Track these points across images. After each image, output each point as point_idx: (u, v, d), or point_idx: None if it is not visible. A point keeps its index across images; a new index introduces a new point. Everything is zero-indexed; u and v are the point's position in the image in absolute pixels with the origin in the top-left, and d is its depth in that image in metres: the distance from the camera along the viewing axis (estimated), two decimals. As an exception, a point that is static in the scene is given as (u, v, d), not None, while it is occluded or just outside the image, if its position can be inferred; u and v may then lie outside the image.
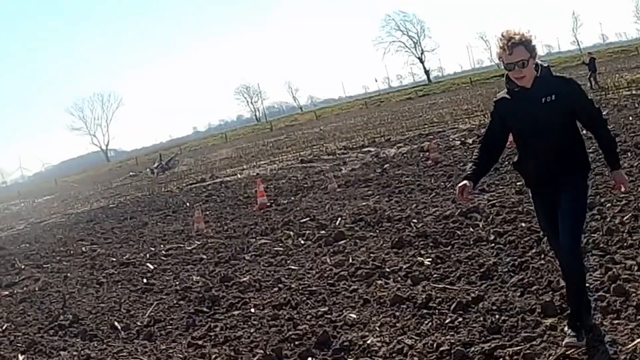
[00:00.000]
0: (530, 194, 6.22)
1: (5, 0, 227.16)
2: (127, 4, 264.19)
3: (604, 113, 22.08)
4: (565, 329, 5.74)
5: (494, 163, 6.16)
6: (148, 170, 47.61)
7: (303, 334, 7.25)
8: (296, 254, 11.28)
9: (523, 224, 9.64)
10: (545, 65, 5.74)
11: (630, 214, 9.01)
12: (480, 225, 10.23)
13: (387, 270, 8.98)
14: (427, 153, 21.05)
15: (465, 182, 5.76)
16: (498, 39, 5.65)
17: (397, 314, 7.35)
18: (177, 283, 10.80)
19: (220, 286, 10.02)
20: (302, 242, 12.06)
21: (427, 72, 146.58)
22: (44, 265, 15.52)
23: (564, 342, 5.56)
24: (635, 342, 5.31)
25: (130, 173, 59.90)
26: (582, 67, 44.55)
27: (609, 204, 9.80)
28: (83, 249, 16.96)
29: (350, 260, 9.87)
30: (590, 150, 7.81)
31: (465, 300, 7.14)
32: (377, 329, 7.00)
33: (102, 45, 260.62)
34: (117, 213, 25.27)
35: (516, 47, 5.47)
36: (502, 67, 5.71)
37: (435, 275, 8.34)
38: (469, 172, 5.87)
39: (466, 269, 8.30)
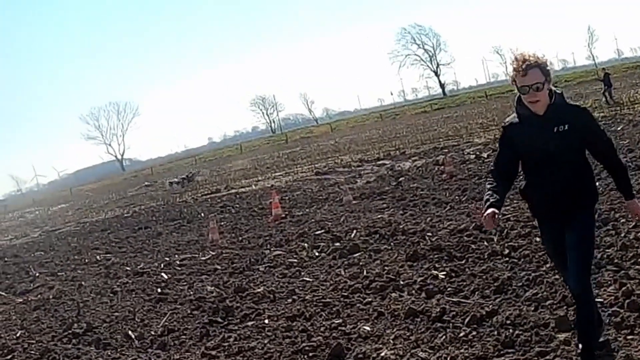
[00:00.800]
0: (537, 222, 6.12)
1: (22, 9, 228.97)
2: (144, 15, 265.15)
3: (618, 129, 21.95)
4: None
5: (509, 190, 5.84)
6: (167, 182, 47.72)
7: (317, 345, 7.25)
8: (310, 266, 11.28)
9: (537, 239, 9.58)
10: (559, 91, 5.53)
11: (645, 230, 8.98)
12: (495, 240, 10.20)
13: (402, 283, 8.98)
14: (442, 166, 21.04)
15: (492, 209, 5.46)
16: (512, 61, 5.44)
17: (411, 327, 7.34)
18: (191, 293, 10.82)
19: (234, 297, 10.03)
20: (317, 254, 12.06)
21: (442, 86, 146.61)
22: (59, 274, 15.59)
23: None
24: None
25: (145, 183, 60.04)
26: (597, 82, 44.40)
27: (624, 220, 9.75)
28: (97, 257, 17.01)
29: (365, 273, 9.87)
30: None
31: (480, 314, 7.13)
32: (391, 341, 7.00)
33: (119, 55, 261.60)
34: (132, 222, 25.33)
35: (531, 69, 5.27)
36: (516, 90, 5.45)
37: (449, 289, 8.33)
38: (492, 200, 5.53)
39: (480, 282, 8.28)
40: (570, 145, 5.38)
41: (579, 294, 5.45)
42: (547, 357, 5.76)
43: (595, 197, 5.70)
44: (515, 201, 12.69)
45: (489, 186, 5.72)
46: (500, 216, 5.70)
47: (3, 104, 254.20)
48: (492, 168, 5.93)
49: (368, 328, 7.51)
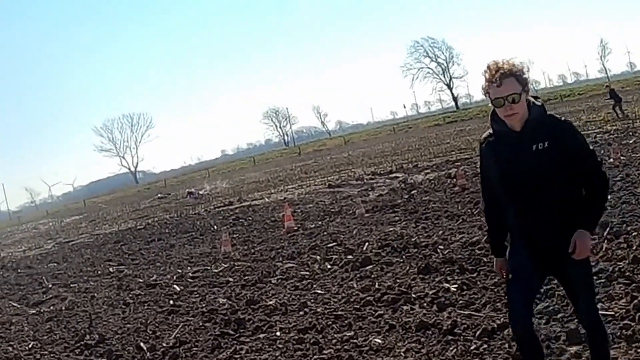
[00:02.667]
0: (509, 249, 5.18)
1: (37, 23, 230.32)
2: (158, 28, 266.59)
3: (630, 142, 21.86)
4: None
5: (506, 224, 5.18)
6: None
7: (328, 358, 7.26)
8: (322, 279, 11.27)
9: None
10: (539, 103, 4.87)
11: (657, 243, 8.95)
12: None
13: (413, 296, 8.96)
14: (455, 179, 21.03)
15: (497, 263, 5.24)
16: (484, 70, 4.83)
17: (423, 339, 7.33)
18: (204, 305, 10.82)
19: (246, 309, 10.03)
20: (329, 266, 12.05)
21: (455, 99, 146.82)
22: (71, 285, 15.63)
23: None
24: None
25: (159, 195, 60.15)
26: (608, 95, 44.32)
27: (635, 233, 9.73)
28: (110, 269, 17.06)
29: (377, 286, 9.85)
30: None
31: (491, 327, 7.12)
32: (402, 354, 6.99)
33: (133, 68, 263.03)
34: (145, 234, 25.40)
35: (506, 78, 4.68)
36: (489, 103, 4.84)
37: (460, 302, 8.32)
38: (494, 251, 5.30)
39: (492, 295, 8.26)
40: (553, 165, 4.71)
41: (593, 325, 5.03)
42: (559, 371, 5.74)
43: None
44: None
45: (486, 220, 5.37)
46: (507, 261, 5.10)
47: (17, 117, 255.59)
48: (482, 202, 5.40)
49: (379, 341, 7.51)
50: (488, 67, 4.81)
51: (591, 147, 4.85)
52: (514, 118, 4.74)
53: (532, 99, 4.85)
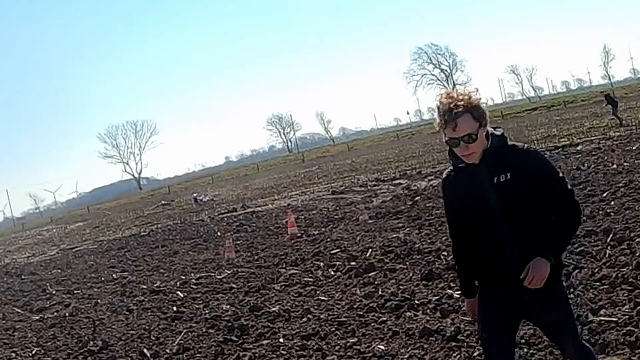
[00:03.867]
0: (479, 290, 4.80)
1: (41, 29, 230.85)
2: (162, 34, 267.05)
3: (633, 148, 21.83)
4: None
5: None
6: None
7: (331, 364, 7.26)
8: (326, 285, 11.28)
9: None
10: (499, 132, 4.53)
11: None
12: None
13: (417, 302, 8.97)
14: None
15: (467, 304, 4.93)
16: (437, 104, 4.43)
17: (426, 346, 7.33)
18: (207, 311, 10.82)
19: (249, 315, 10.04)
20: (332, 273, 12.06)
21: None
22: (75, 291, 15.64)
23: None
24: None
25: (162, 202, 60.18)
26: (608, 104, 44.27)
27: (639, 239, 9.71)
28: (114, 275, 17.07)
29: (380, 292, 9.86)
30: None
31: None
32: (406, 360, 6.99)
33: (136, 74, 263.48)
34: (149, 241, 25.41)
35: (461, 117, 4.25)
36: (444, 140, 4.44)
37: (464, 308, 8.30)
38: (464, 290, 4.96)
39: (495, 302, 8.26)
40: (516, 199, 4.31)
41: (582, 358, 4.63)
42: (562, 377, 5.74)
43: (561, 264, 4.56)
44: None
45: (454, 257, 4.99)
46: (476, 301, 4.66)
47: (21, 123, 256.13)
48: (449, 229, 5.00)
49: (383, 347, 7.51)
50: (440, 102, 4.38)
51: (561, 174, 4.48)
52: (471, 157, 4.39)
53: (492, 129, 4.49)
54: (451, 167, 4.66)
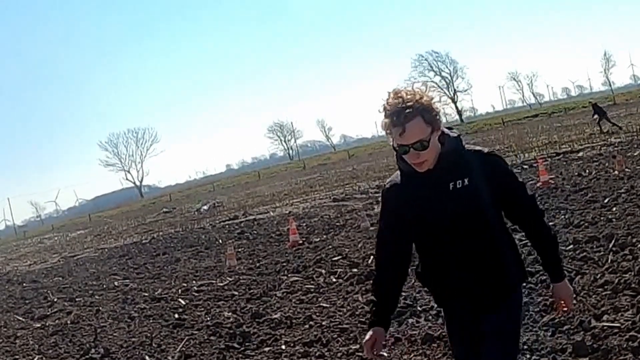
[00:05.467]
0: (442, 312, 4.67)
1: (42, 36, 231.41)
2: (162, 42, 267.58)
3: (635, 154, 21.86)
4: None
5: (402, 285, 4.37)
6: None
7: (333, 371, 7.25)
8: (328, 292, 11.27)
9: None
10: (455, 134, 4.07)
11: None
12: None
13: (419, 308, 8.94)
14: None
15: (372, 332, 4.13)
16: (382, 104, 3.88)
17: (428, 352, 7.33)
18: (209, 319, 10.82)
19: (251, 322, 10.03)
20: (334, 279, 12.05)
21: (459, 112, 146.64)
22: (77, 299, 15.63)
23: None
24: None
25: (164, 209, 60.18)
26: (613, 107, 44.27)
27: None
28: (115, 283, 17.05)
29: (382, 299, 9.84)
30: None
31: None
32: (408, 367, 6.98)
33: (138, 82, 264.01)
34: (150, 248, 25.39)
35: (410, 121, 3.74)
36: (392, 146, 3.96)
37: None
38: (374, 318, 4.21)
39: (498, 308, 8.24)
40: (474, 206, 3.95)
41: None
42: (565, 383, 5.73)
43: (521, 275, 4.28)
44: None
45: (374, 286, 4.35)
46: (386, 340, 4.04)
47: (22, 131, 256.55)
48: (375, 253, 4.42)
49: (385, 354, 7.48)
50: (387, 102, 3.84)
51: (521, 180, 4.23)
52: (423, 165, 3.90)
53: (446, 130, 4.03)
54: (398, 174, 4.15)
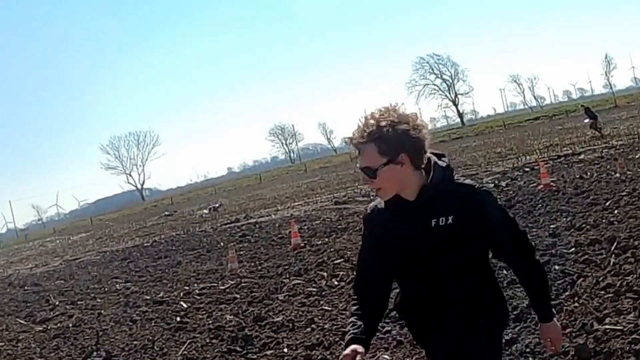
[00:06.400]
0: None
1: (43, 39, 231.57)
2: (163, 45, 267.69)
3: (636, 157, 21.88)
4: None
5: (381, 313, 4.02)
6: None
7: (336, 374, 7.25)
8: (329, 295, 11.26)
9: (556, 267, 9.56)
10: (444, 163, 3.72)
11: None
12: (514, 268, 10.13)
13: (421, 311, 8.94)
14: (461, 195, 20.95)
15: (352, 347, 3.70)
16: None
17: (430, 355, 7.32)
18: (210, 322, 10.81)
19: (253, 326, 10.03)
20: (336, 282, 12.04)
21: (460, 115, 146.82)
22: (78, 302, 15.63)
23: None
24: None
25: (165, 212, 60.19)
26: (614, 110, 44.27)
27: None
28: (117, 286, 17.05)
29: (384, 302, 9.83)
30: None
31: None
32: (410, 370, 6.98)
33: (139, 85, 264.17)
34: (152, 252, 25.36)
35: (364, 145, 3.57)
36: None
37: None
38: (353, 332, 3.81)
39: (500, 311, 8.24)
40: (456, 249, 3.64)
41: None
42: (567, 386, 5.72)
43: (503, 319, 4.00)
44: (534, 229, 12.65)
45: (352, 308, 3.99)
46: (364, 355, 3.66)
47: (24, 134, 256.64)
48: (355, 278, 4.19)
49: (387, 357, 7.50)
50: (358, 122, 3.64)
51: (510, 215, 3.90)
52: (380, 194, 3.72)
53: (434, 158, 3.71)
54: (380, 200, 3.85)
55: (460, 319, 3.74)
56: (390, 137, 3.49)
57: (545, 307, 3.91)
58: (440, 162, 3.69)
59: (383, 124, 3.49)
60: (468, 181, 3.80)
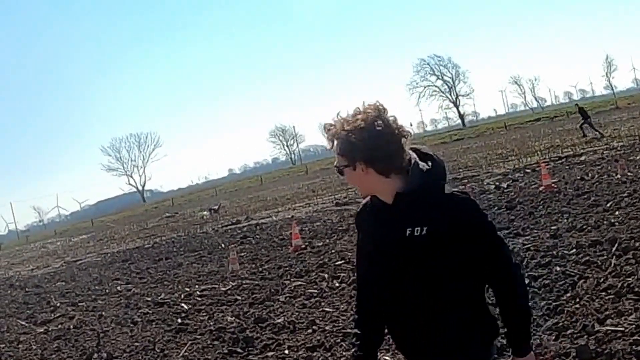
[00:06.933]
0: None
1: (45, 41, 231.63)
2: (164, 47, 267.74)
3: (637, 158, 21.89)
4: None
5: (382, 332, 3.69)
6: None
7: (337, 375, 7.24)
8: (331, 296, 11.25)
9: (558, 268, 9.55)
10: (424, 166, 3.32)
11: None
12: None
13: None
14: (462, 197, 20.92)
15: None
16: None
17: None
18: (212, 323, 10.81)
19: (254, 327, 10.02)
20: (337, 284, 12.03)
21: (461, 117, 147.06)
22: (79, 304, 15.63)
23: None
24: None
25: (166, 214, 60.22)
26: (615, 111, 44.29)
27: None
28: (118, 288, 17.05)
29: (385, 303, 9.82)
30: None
31: (500, 343, 7.07)
32: (411, 371, 6.96)
33: (140, 87, 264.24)
34: (153, 253, 25.37)
35: (331, 142, 3.34)
36: None
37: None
38: (359, 352, 3.63)
39: (501, 312, 8.22)
40: (432, 259, 3.24)
41: None
42: (569, 387, 5.72)
43: (483, 354, 3.47)
44: (535, 231, 12.65)
45: (354, 330, 3.76)
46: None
47: (25, 136, 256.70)
48: (356, 293, 3.90)
49: (389, 358, 7.48)
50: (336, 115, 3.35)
51: (493, 228, 3.40)
52: (359, 191, 3.47)
53: (417, 160, 3.33)
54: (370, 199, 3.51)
55: (437, 340, 3.35)
56: (352, 144, 3.21)
57: (522, 342, 3.41)
58: (422, 165, 3.30)
59: (347, 128, 3.22)
60: (449, 188, 3.34)
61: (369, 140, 3.16)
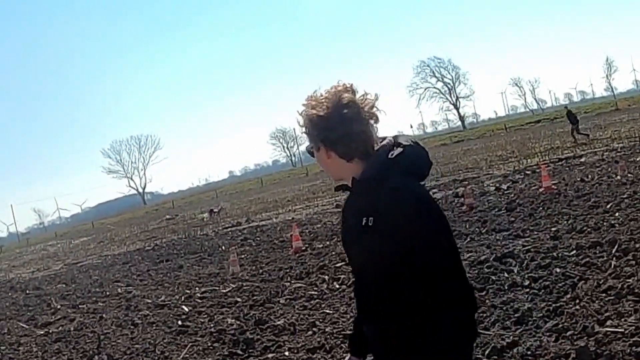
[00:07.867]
0: None
1: (46, 44, 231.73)
2: (165, 49, 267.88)
3: (637, 160, 21.86)
4: None
5: None
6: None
7: (337, 377, 7.25)
8: (331, 298, 11.26)
9: (557, 269, 9.56)
10: (384, 155, 3.06)
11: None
12: (515, 271, 10.13)
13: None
14: (462, 198, 20.92)
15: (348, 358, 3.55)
16: None
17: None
18: (212, 325, 10.81)
19: (254, 329, 10.02)
20: (337, 286, 12.03)
21: (461, 118, 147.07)
22: (80, 306, 15.63)
23: None
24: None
25: (167, 216, 60.21)
26: (615, 113, 44.30)
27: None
28: (119, 290, 17.06)
29: (385, 305, 9.82)
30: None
31: (500, 345, 7.10)
32: (411, 373, 6.96)
33: (141, 89, 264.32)
34: (153, 255, 25.37)
35: (301, 121, 3.17)
36: None
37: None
38: (351, 343, 3.65)
39: (501, 314, 8.23)
40: (377, 256, 3.00)
41: None
42: (568, 389, 5.72)
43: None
44: (535, 232, 12.66)
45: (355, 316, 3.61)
46: None
47: (25, 138, 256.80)
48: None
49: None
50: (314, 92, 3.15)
51: (436, 244, 2.91)
52: (330, 175, 3.35)
53: (388, 144, 3.12)
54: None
55: (388, 347, 3.13)
56: (313, 123, 3.08)
57: None
58: (390, 154, 3.03)
59: (312, 105, 3.07)
60: (396, 178, 2.97)
61: (329, 120, 3.02)
